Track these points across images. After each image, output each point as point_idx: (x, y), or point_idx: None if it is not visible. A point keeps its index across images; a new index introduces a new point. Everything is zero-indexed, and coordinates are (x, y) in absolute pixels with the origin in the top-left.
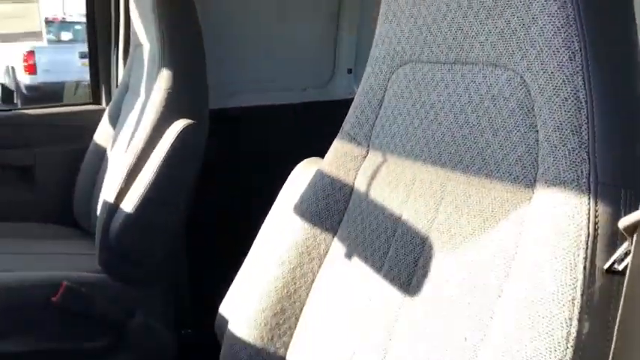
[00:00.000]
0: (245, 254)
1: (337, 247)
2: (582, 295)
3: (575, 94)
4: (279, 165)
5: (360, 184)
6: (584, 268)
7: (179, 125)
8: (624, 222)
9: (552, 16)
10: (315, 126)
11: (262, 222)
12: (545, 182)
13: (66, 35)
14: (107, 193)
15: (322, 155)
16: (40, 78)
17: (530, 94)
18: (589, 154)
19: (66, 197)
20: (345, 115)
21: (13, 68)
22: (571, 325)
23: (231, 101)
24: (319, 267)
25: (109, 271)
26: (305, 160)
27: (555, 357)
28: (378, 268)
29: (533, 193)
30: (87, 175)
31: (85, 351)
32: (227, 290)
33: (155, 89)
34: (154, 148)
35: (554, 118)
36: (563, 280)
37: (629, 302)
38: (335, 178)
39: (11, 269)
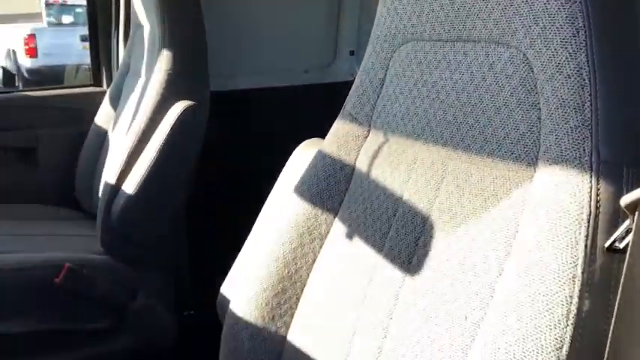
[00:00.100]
0: (246, 235)
1: (338, 228)
2: (583, 273)
3: (578, 71)
4: (281, 147)
5: (362, 164)
6: (585, 246)
7: (180, 107)
8: (626, 200)
9: None
10: (317, 108)
11: (263, 203)
12: (547, 160)
13: (67, 18)
14: (108, 174)
15: (324, 137)
16: (41, 61)
17: (532, 71)
18: (591, 132)
19: (67, 179)
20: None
21: (14, 51)
22: (571, 302)
23: (232, 83)
24: (320, 247)
25: (110, 253)
26: (306, 141)
27: (555, 334)
28: (379, 248)
29: (535, 171)
30: (88, 157)
31: (87, 332)
32: (228, 271)
33: (155, 70)
34: (154, 129)
35: (556, 96)
36: (563, 258)
37: (629, 280)
38: (336, 158)
39: (13, 251)
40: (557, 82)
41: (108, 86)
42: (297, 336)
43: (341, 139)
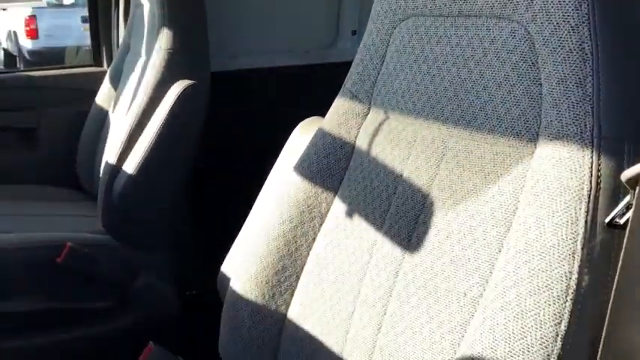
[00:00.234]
0: (247, 214)
1: (338, 206)
2: (583, 248)
3: (580, 45)
4: (281, 127)
5: (362, 142)
6: (586, 222)
7: (180, 86)
8: (627, 175)
9: None
10: (319, 88)
11: (264, 182)
12: (548, 136)
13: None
14: (109, 154)
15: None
16: (42, 43)
17: (534, 46)
18: (593, 108)
19: (68, 159)
20: None
21: (15, 33)
22: (570, 278)
23: (232, 64)
24: (320, 225)
25: (112, 233)
26: (306, 120)
27: (554, 310)
28: (379, 226)
29: (536, 147)
30: (89, 137)
31: (88, 311)
32: (229, 250)
33: (155, 50)
34: (155, 109)
35: (558, 71)
36: (563, 233)
37: (629, 256)
38: (336, 136)
39: (14, 231)
40: (558, 56)
41: (108, 66)
42: (297, 314)
43: (341, 117)
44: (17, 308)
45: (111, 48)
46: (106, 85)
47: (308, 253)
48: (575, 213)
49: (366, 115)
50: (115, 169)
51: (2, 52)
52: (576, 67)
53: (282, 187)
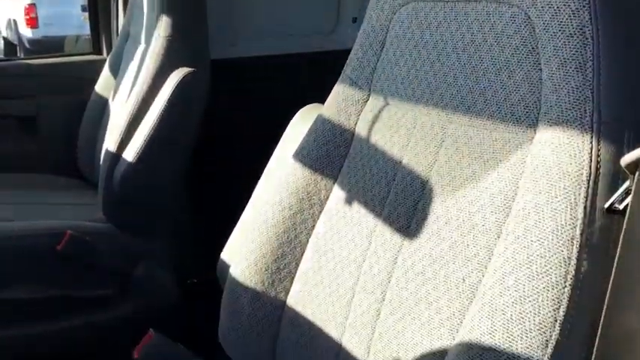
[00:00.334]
0: (247, 201)
1: (338, 193)
2: (582, 234)
3: (581, 29)
4: (281, 114)
5: (361, 129)
6: (585, 207)
7: (179, 73)
8: (626, 159)
9: None
10: (319, 76)
11: (263, 169)
12: (548, 122)
13: None
14: (109, 142)
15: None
16: (42, 31)
17: (534, 30)
18: (593, 92)
19: (68, 147)
20: None
21: (15, 21)
22: (569, 264)
23: (232, 51)
24: (320, 213)
25: (112, 221)
26: (306, 107)
27: (553, 295)
28: (378, 213)
29: (535, 133)
30: (89, 125)
31: (90, 299)
32: (229, 237)
33: (155, 37)
34: (154, 96)
35: (558, 55)
36: (562, 219)
37: (628, 242)
38: (336, 123)
39: (15, 219)
40: (559, 41)
41: (108, 54)
42: (296, 300)
43: (341, 103)
44: (18, 296)
45: (110, 36)
46: (105, 73)
47: (307, 240)
48: (575, 198)
49: (366, 101)
50: (115, 157)
51: (2, 41)
52: (577, 51)
53: (282, 175)
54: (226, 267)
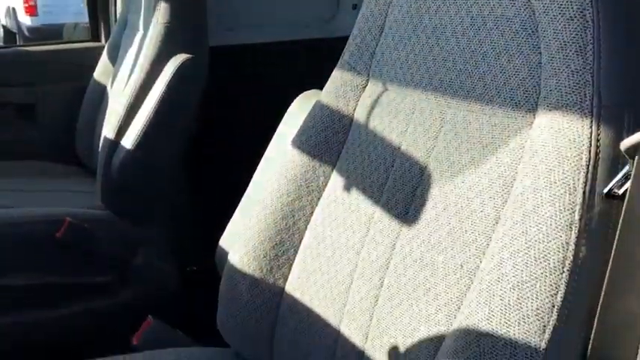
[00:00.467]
0: (245, 188)
1: (336, 179)
2: (580, 219)
3: (581, 12)
4: (280, 100)
5: (360, 115)
6: (584, 192)
7: (177, 60)
8: (626, 143)
9: None
10: (318, 63)
11: (262, 155)
12: (547, 106)
13: None
14: (108, 129)
15: None
16: (41, 19)
17: (534, 14)
18: (593, 76)
19: (67, 135)
20: None
21: (14, 9)
22: (568, 249)
23: (231, 38)
24: (318, 199)
25: (111, 208)
26: (304, 93)
27: (551, 281)
28: (377, 199)
29: (535, 117)
30: (88, 113)
31: (89, 286)
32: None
33: (153, 24)
34: (153, 83)
35: (558, 39)
36: (561, 204)
37: (627, 226)
38: (334, 109)
39: (14, 206)
40: (559, 24)
41: (106, 41)
42: (294, 287)
43: (339, 89)
44: (16, 283)
45: (109, 23)
46: (104, 61)
47: (306, 227)
48: (574, 183)
49: (365, 87)
50: (114, 144)
51: (2, 29)
52: (577, 34)
53: (280, 161)
54: (225, 254)
